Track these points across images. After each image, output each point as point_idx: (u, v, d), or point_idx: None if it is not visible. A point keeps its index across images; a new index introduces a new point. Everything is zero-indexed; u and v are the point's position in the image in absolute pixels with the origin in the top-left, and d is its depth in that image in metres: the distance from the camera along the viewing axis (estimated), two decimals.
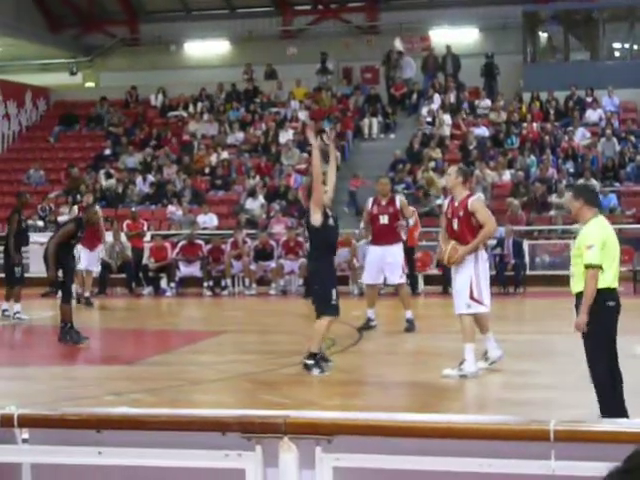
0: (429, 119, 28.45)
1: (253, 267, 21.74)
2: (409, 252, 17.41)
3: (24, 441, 3.04)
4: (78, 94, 34.93)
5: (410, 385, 10.35)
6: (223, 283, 21.86)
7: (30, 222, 25.85)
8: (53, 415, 3.05)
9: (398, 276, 13.98)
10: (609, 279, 7.56)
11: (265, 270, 21.81)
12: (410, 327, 13.84)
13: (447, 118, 28.11)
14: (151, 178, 28.20)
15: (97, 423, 2.93)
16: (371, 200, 14.24)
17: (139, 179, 28.16)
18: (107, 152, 30.48)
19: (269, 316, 17.59)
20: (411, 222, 15.38)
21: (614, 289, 7.63)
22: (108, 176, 28.52)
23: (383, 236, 13.84)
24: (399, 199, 14.56)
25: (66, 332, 13.61)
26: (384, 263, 13.87)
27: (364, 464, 2.73)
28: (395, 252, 13.88)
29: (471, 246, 10.15)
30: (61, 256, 13.64)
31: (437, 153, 26.34)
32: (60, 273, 13.58)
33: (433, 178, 24.11)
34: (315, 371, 10.39)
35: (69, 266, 14.02)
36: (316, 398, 9.38)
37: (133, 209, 24.58)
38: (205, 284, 21.66)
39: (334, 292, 10.53)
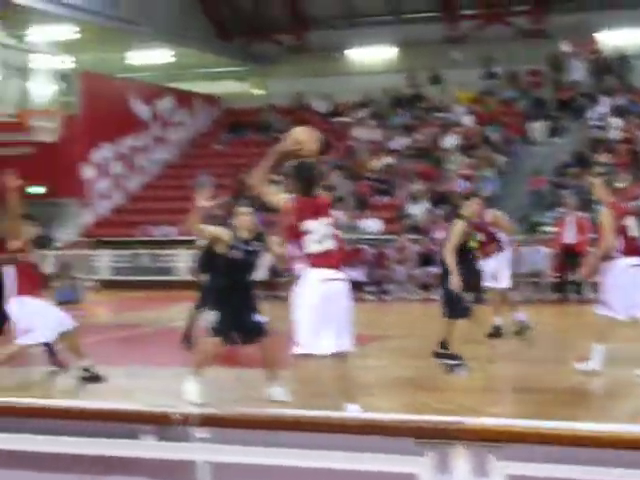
0: (597, 123, 27.79)
1: (416, 272, 21.74)
2: None
3: (201, 440, 3.15)
4: (247, 102, 35.73)
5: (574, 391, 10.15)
6: (386, 288, 21.95)
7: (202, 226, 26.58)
8: (229, 415, 3.15)
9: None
10: None
11: (428, 275, 21.77)
12: None
13: (616, 121, 27.39)
14: None
15: (271, 424, 3.02)
16: None
17: None
18: None
19: (432, 321, 17.52)
20: None
21: None
22: (274, 182, 29.01)
23: None
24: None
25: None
26: None
27: (537, 473, 2.71)
28: None
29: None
30: (207, 262, 13.74)
31: (606, 157, 25.70)
32: (203, 278, 13.67)
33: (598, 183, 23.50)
34: (460, 371, 10.63)
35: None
36: (478, 405, 9.32)
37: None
38: (368, 289, 21.78)
39: (465, 294, 10.75)
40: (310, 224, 8.07)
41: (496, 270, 13.74)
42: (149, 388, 10.89)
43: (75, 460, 3.25)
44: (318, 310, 7.88)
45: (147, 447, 3.16)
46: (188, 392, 8.92)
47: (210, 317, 9.53)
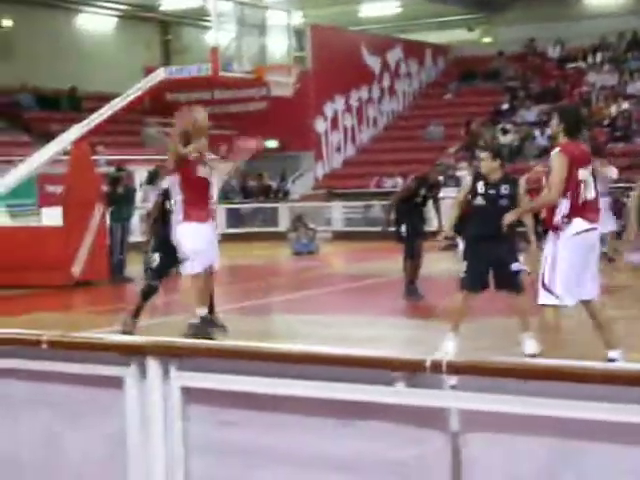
0: None
1: None
2: None
3: (452, 387, 3.18)
4: (476, 50, 35.28)
5: None
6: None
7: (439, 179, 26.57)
8: (480, 363, 3.16)
9: None
10: None
11: None
12: None
13: None
14: (549, 131, 27.89)
15: (524, 372, 3.01)
16: None
17: (537, 133, 27.98)
18: (505, 106, 30.56)
19: None
20: None
21: None
22: (504, 132, 28.60)
23: None
24: None
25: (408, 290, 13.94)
26: None
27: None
28: None
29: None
30: (404, 212, 13.85)
31: None
32: (403, 228, 13.81)
33: None
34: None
35: (412, 222, 13.87)
36: None
37: (532, 163, 24.49)
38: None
39: None
40: (582, 173, 7.95)
41: None
42: (384, 337, 11.06)
43: (325, 404, 3.35)
44: (581, 261, 7.91)
45: (398, 394, 3.22)
46: (445, 347, 8.92)
47: (462, 267, 9.46)
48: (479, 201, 9.43)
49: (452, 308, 9.55)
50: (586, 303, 8.22)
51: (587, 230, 7.96)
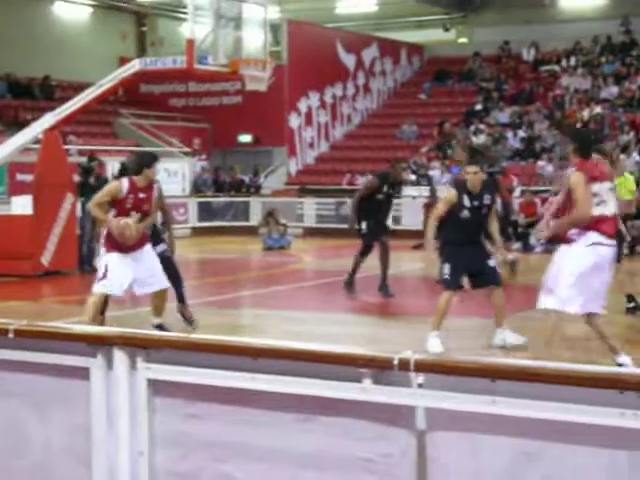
0: None
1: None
2: None
3: (419, 385, 3.18)
4: (451, 50, 35.38)
5: None
6: None
7: (403, 176, 26.64)
8: (448, 361, 3.16)
9: None
10: None
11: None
12: None
13: None
14: (522, 133, 28.05)
15: (492, 372, 3.01)
16: None
17: (510, 134, 28.10)
18: (478, 107, 30.67)
19: None
20: None
21: None
22: (477, 132, 28.70)
23: None
24: None
25: (347, 282, 14.13)
26: None
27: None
28: None
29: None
30: (366, 210, 13.94)
31: None
32: (364, 225, 13.92)
33: None
34: None
35: (375, 220, 14.05)
36: None
37: (503, 164, 24.56)
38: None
39: None
40: (597, 187, 8.05)
41: None
42: (352, 334, 11.08)
43: (292, 400, 3.35)
44: (589, 272, 7.97)
45: (365, 390, 3.22)
46: (432, 346, 9.31)
47: (443, 269, 9.72)
48: (465, 214, 9.71)
49: (439, 307, 9.72)
50: (588, 315, 8.27)
51: (601, 244, 8.02)
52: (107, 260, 9.71)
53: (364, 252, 14.08)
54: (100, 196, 9.99)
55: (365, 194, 14.08)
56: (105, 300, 10.38)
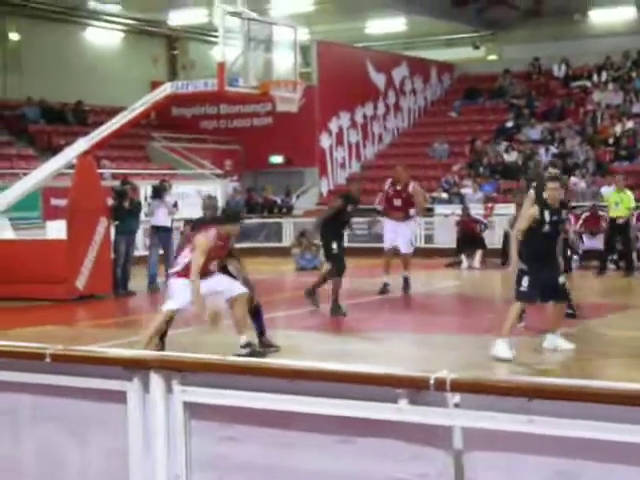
0: None
1: None
2: None
3: (455, 405, 3.17)
4: (481, 68, 35.34)
5: None
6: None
7: (434, 194, 26.64)
8: (484, 381, 3.15)
9: None
10: None
11: None
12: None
13: None
14: (553, 149, 27.93)
15: (529, 391, 3.00)
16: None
17: (541, 151, 28.00)
18: (509, 124, 30.59)
19: None
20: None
21: None
22: (509, 150, 28.62)
23: None
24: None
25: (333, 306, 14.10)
26: None
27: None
28: None
29: None
30: (334, 230, 14.08)
31: None
32: (334, 246, 14.03)
33: None
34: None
35: (342, 239, 14.38)
36: None
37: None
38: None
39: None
40: None
41: None
42: (387, 353, 11.05)
43: (328, 421, 3.35)
44: None
45: (401, 411, 3.21)
46: (499, 351, 9.70)
47: (522, 282, 10.08)
48: (546, 229, 10.09)
49: (510, 316, 10.06)
50: None
51: None
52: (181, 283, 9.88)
53: (339, 272, 14.15)
54: (199, 257, 9.90)
55: (331, 215, 14.27)
56: (168, 323, 10.43)
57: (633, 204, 19.73)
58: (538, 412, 2.99)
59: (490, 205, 25.04)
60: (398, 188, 16.51)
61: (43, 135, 28.34)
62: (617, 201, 19.51)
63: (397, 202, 16.51)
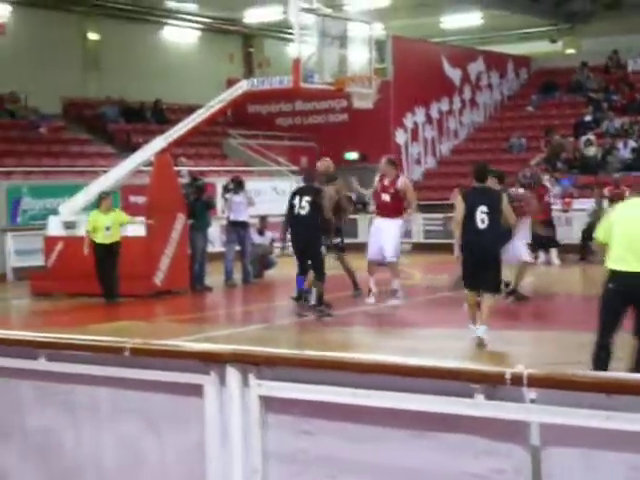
0: None
1: None
2: None
3: (531, 400, 3.15)
4: (558, 61, 34.90)
5: None
6: None
7: (512, 190, 26.33)
8: (561, 376, 3.12)
9: None
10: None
11: None
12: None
13: None
14: (632, 143, 27.47)
15: (607, 387, 2.96)
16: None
17: (620, 145, 27.56)
18: (587, 118, 30.16)
19: None
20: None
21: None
22: (588, 143, 28.22)
23: None
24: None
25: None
26: None
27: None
28: None
29: None
30: (336, 225, 14.23)
31: None
32: (338, 240, 14.15)
33: None
34: None
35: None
36: None
37: (615, 175, 24.13)
38: None
39: None
40: None
41: None
42: (463, 349, 10.99)
43: (404, 415, 3.35)
44: None
45: (477, 406, 3.20)
46: None
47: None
48: None
49: None
50: None
51: None
52: None
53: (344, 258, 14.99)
54: None
55: (334, 207, 14.58)
56: None
57: None
58: (616, 408, 2.96)
59: (568, 200, 24.71)
60: (386, 183, 15.40)
61: (122, 133, 28.74)
62: None
63: (385, 197, 15.31)
